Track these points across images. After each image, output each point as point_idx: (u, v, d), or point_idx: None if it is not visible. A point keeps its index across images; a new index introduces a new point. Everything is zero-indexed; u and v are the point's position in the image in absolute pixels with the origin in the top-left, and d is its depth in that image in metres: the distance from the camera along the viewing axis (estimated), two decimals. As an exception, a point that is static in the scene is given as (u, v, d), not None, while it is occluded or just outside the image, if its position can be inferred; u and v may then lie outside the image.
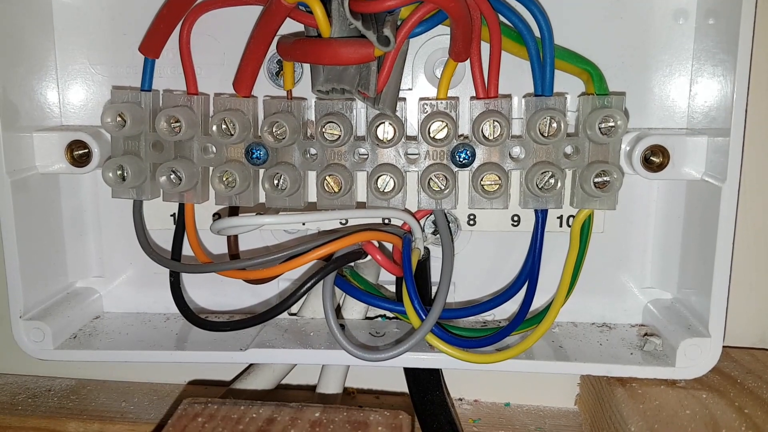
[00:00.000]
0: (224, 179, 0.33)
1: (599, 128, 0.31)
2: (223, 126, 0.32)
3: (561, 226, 0.35)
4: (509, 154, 0.33)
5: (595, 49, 0.34)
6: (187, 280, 0.37)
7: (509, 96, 0.33)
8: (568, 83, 0.34)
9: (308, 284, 0.31)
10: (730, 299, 0.36)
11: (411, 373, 0.35)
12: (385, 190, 0.32)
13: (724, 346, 0.35)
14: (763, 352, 0.36)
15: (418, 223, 0.34)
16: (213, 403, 0.28)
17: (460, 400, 0.39)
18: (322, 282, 0.32)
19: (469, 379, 0.39)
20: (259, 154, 0.33)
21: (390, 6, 0.29)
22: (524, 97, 0.33)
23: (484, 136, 0.32)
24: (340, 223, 0.36)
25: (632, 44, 0.34)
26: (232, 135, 0.32)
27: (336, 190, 0.32)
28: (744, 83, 0.29)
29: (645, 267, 0.36)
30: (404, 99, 0.34)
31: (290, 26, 0.32)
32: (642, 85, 0.34)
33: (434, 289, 0.34)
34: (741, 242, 0.37)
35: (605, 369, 0.32)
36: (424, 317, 0.31)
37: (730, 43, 0.30)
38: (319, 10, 0.30)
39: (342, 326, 0.35)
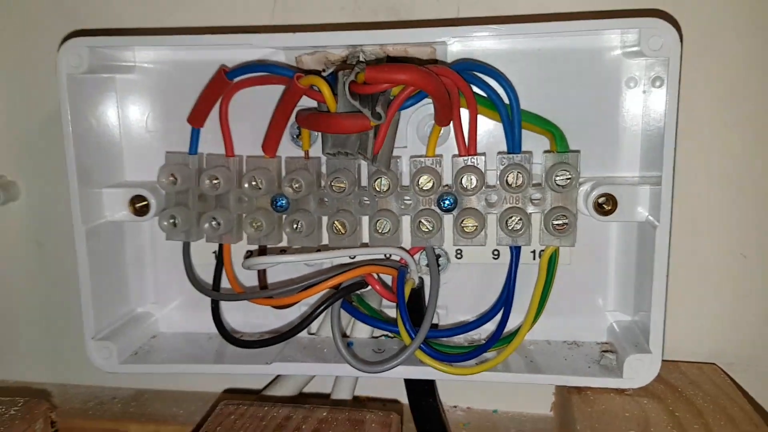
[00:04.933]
0: (254, 225, 0.40)
1: (557, 181, 0.38)
2: (253, 182, 0.40)
3: (534, 258, 0.42)
4: (486, 201, 0.40)
5: (560, 112, 0.40)
6: (226, 306, 0.45)
7: (484, 153, 0.40)
8: (540, 140, 0.40)
9: (317, 310, 0.39)
10: (688, 321, 0.42)
11: (409, 384, 0.42)
12: (383, 231, 0.40)
13: (678, 361, 0.42)
14: (710, 366, 0.42)
15: (412, 258, 0.41)
16: (243, 404, 0.36)
17: (455, 407, 0.46)
18: (330, 307, 0.39)
19: (463, 389, 0.46)
20: (282, 203, 0.40)
21: (379, 90, 0.36)
22: (498, 154, 0.40)
23: (463, 187, 0.39)
24: (350, 258, 0.43)
25: (592, 107, 0.40)
26: (260, 189, 0.40)
27: (343, 231, 0.40)
28: (671, 143, 0.36)
29: (608, 293, 0.42)
30: (399, 156, 0.41)
31: (308, 101, 0.40)
32: (602, 139, 0.40)
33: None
34: (698, 273, 0.43)
35: (564, 380, 0.38)
36: (413, 336, 0.38)
37: (661, 108, 0.37)
38: (326, 91, 0.37)
39: (350, 344, 0.42)
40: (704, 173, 0.42)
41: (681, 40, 0.35)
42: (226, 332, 0.41)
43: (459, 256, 0.43)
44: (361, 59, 0.39)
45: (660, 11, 0.40)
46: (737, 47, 0.41)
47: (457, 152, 0.39)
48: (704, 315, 0.44)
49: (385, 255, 0.42)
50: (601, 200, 0.39)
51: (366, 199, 0.40)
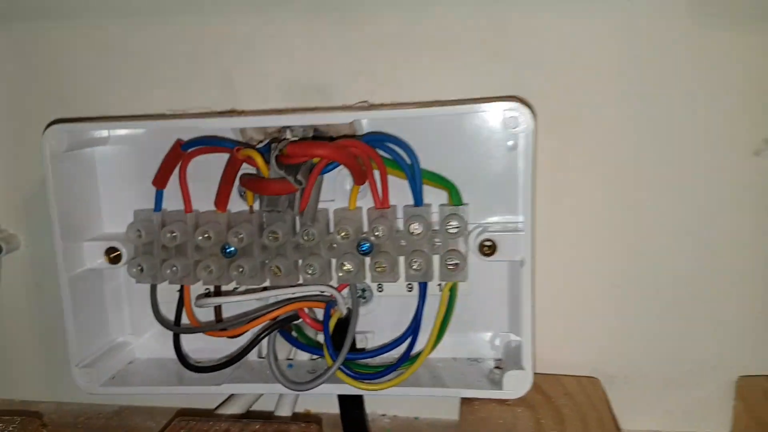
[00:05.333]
0: (206, 270, 0.49)
1: (448, 229, 0.46)
2: (205, 235, 0.49)
3: (440, 290, 0.50)
4: (398, 244, 0.48)
5: (458, 169, 0.49)
6: (189, 335, 0.53)
7: (395, 206, 0.48)
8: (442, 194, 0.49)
9: (256, 339, 0.48)
10: (574, 340, 0.51)
11: (340, 398, 0.50)
12: (311, 273, 0.48)
13: (563, 375, 0.50)
14: (590, 379, 0.50)
15: (339, 293, 0.50)
16: (193, 420, 0.44)
17: (383, 415, 0.54)
18: (268, 336, 0.48)
19: (389, 401, 0.54)
20: (231, 250, 0.49)
21: (301, 161, 0.45)
22: (404, 206, 0.49)
23: (375, 234, 0.47)
24: (291, 294, 0.51)
25: (484, 164, 0.48)
26: (210, 239, 0.49)
27: (279, 273, 0.48)
28: (528, 196, 0.44)
29: (503, 318, 0.51)
30: (327, 209, 0.50)
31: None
32: (493, 191, 0.48)
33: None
34: (582, 300, 0.51)
35: (457, 392, 0.46)
36: (335, 359, 0.47)
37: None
38: (260, 161, 0.46)
39: (290, 365, 0.51)
40: (577, 219, 0.51)
41: (535, 117, 0.44)
42: (184, 359, 0.50)
43: (380, 289, 0.52)
44: (288, 135, 0.47)
45: (517, 97, 0.48)
46: (597, 115, 0.49)
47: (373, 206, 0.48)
48: (589, 335, 0.52)
49: (320, 291, 0.51)
50: (487, 243, 0.47)
51: (300, 245, 0.49)
